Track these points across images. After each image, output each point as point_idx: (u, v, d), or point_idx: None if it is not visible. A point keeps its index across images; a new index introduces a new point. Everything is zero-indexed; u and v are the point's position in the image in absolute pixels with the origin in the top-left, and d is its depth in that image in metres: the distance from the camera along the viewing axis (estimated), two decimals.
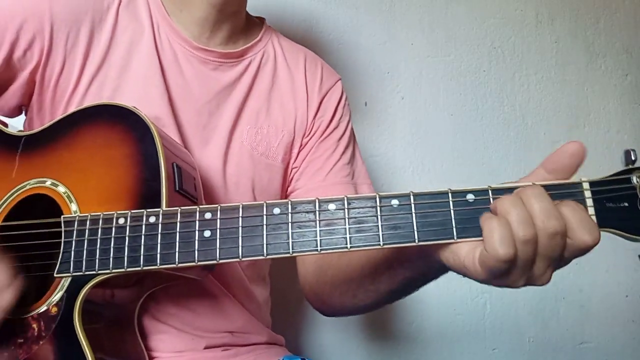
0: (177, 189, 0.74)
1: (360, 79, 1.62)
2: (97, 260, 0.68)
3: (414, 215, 0.61)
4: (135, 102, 0.86)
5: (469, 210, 0.60)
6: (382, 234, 0.61)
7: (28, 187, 0.77)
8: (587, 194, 0.59)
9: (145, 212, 0.68)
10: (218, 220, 0.65)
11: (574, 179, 0.61)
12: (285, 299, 1.41)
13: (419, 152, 1.65)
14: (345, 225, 0.62)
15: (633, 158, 0.60)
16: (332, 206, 0.63)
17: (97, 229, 0.69)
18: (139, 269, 0.66)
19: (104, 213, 0.70)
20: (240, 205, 0.65)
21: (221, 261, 0.64)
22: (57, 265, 0.70)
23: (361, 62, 1.63)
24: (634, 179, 0.59)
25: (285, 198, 1.06)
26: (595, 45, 1.86)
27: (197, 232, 0.65)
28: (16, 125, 0.97)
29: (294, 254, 0.63)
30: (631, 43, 1.89)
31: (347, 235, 0.62)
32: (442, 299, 1.60)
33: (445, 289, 1.58)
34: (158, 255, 0.66)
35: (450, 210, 0.60)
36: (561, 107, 1.80)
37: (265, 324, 1.06)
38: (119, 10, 0.93)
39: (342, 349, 1.54)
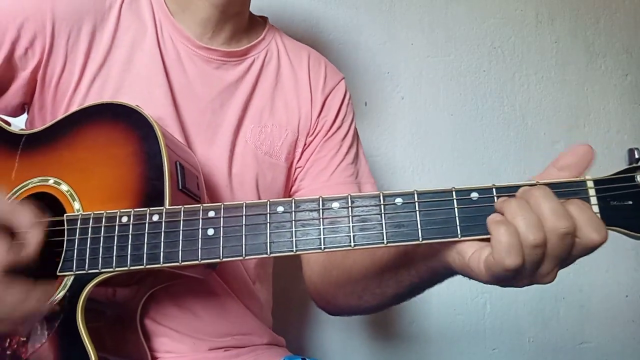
0: (180, 187, 0.74)
1: (360, 79, 1.62)
2: (100, 259, 0.68)
3: (417, 213, 0.61)
4: (138, 101, 0.85)
5: (473, 209, 0.60)
6: (386, 232, 0.61)
7: (31, 185, 0.77)
8: (592, 192, 0.59)
9: (148, 211, 0.68)
10: (221, 219, 0.65)
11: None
12: (287, 299, 1.41)
13: (419, 152, 1.65)
14: (349, 223, 0.62)
15: (637, 156, 0.60)
16: (335, 205, 0.63)
17: (100, 227, 0.69)
18: (142, 267, 0.66)
19: (107, 211, 0.70)
20: (244, 204, 0.65)
21: (225, 259, 0.64)
22: (60, 264, 0.70)
23: (361, 62, 1.63)
24: (638, 178, 0.59)
25: (288, 196, 1.05)
26: (595, 45, 1.87)
27: (200, 231, 0.65)
28: (18, 124, 0.97)
29: (298, 253, 0.62)
30: (631, 43, 1.89)
31: (351, 234, 0.62)
32: (442, 299, 1.60)
33: (445, 289, 1.56)
34: (161, 254, 0.66)
35: (454, 209, 0.60)
36: (561, 107, 1.80)
37: (267, 325, 1.06)
38: (122, 10, 0.93)
39: (342, 349, 1.53)
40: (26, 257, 0.64)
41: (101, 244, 0.68)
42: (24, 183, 0.78)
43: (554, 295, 1.68)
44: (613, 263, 1.73)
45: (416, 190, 0.61)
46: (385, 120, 1.63)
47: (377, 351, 1.57)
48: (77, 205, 0.74)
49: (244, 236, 0.64)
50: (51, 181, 0.77)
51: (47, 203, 0.75)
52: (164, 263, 0.66)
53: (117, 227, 0.69)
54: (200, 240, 0.65)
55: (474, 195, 0.60)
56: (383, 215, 0.61)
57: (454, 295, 1.61)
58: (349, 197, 0.63)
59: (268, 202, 0.64)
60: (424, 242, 0.60)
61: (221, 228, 0.65)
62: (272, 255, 0.63)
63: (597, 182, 0.59)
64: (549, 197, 0.56)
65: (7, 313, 0.61)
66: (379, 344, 1.57)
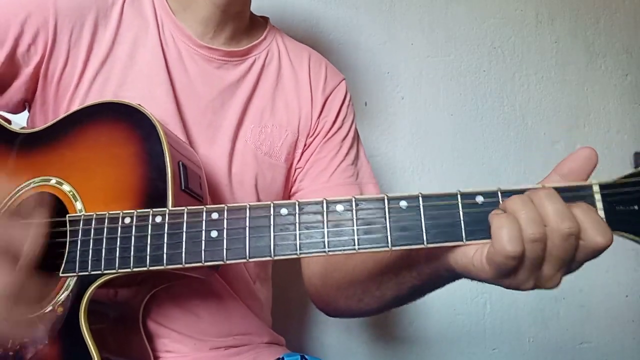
0: (183, 188, 0.74)
1: (360, 79, 1.62)
2: (102, 260, 0.68)
3: (422, 217, 0.60)
4: (139, 98, 0.86)
5: (479, 213, 0.59)
6: (391, 236, 0.60)
7: (32, 185, 0.77)
8: (597, 196, 0.58)
9: (151, 212, 0.67)
10: (225, 220, 0.64)
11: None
12: (287, 299, 1.41)
13: (419, 152, 1.65)
14: (353, 226, 0.61)
15: None
16: (340, 207, 0.62)
17: (103, 228, 0.69)
18: (145, 269, 0.66)
19: (110, 212, 0.69)
20: (247, 206, 0.64)
21: (228, 262, 0.63)
22: (63, 265, 0.69)
23: (361, 62, 1.63)
24: None
25: (289, 199, 1.05)
26: (595, 45, 1.87)
27: (203, 232, 0.65)
28: (19, 121, 0.96)
29: (302, 255, 0.62)
30: (631, 43, 1.89)
31: (355, 237, 0.61)
32: (442, 299, 1.60)
33: (446, 289, 1.56)
34: (165, 256, 0.65)
35: (459, 212, 0.60)
36: (561, 107, 1.80)
37: (267, 324, 1.06)
38: (124, 7, 0.94)
39: (342, 349, 1.53)
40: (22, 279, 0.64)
41: (104, 245, 0.68)
42: (26, 183, 0.77)
43: (554, 295, 1.68)
44: (613, 263, 1.73)
45: (421, 193, 0.61)
46: (385, 120, 1.63)
47: (377, 351, 1.57)
48: (79, 205, 0.73)
49: (247, 238, 0.63)
50: (53, 181, 0.76)
51: (50, 203, 0.75)
52: (167, 265, 0.65)
53: (119, 228, 0.68)
54: (203, 242, 0.64)
55: (480, 198, 0.60)
56: (388, 218, 0.61)
57: (454, 295, 1.61)
58: (353, 199, 0.62)
59: (272, 204, 0.64)
60: (429, 246, 0.59)
61: (224, 230, 0.64)
62: (276, 258, 0.62)
63: (602, 186, 0.59)
64: (554, 198, 0.56)
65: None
66: (379, 343, 1.57)
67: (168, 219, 0.66)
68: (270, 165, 1.00)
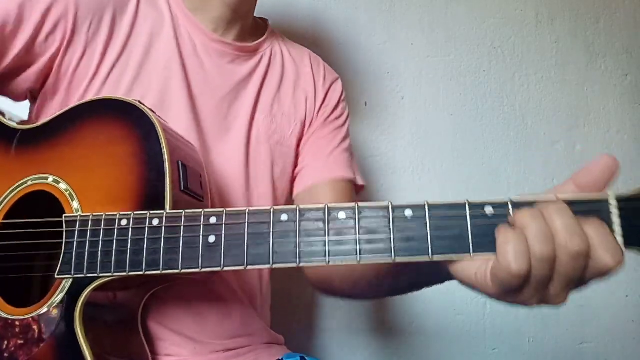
0: (182, 188, 0.73)
1: (360, 79, 1.62)
2: (98, 263, 0.66)
3: (428, 227, 0.57)
4: (155, 91, 0.89)
5: (487, 224, 0.56)
6: (394, 247, 0.57)
7: (30, 183, 0.75)
8: (614, 210, 0.55)
9: (148, 215, 0.66)
10: (223, 226, 0.63)
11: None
12: (287, 299, 1.41)
13: (419, 152, 1.65)
14: (355, 235, 0.59)
15: None
16: (342, 214, 0.60)
17: (99, 230, 0.67)
18: (141, 273, 0.65)
19: (106, 214, 0.68)
20: (247, 210, 0.62)
21: (226, 269, 0.61)
22: (58, 266, 0.68)
23: (361, 62, 1.63)
24: None
25: (293, 181, 1.08)
26: (595, 45, 1.86)
27: (201, 238, 0.63)
28: (20, 115, 0.96)
29: (302, 264, 0.59)
30: (631, 43, 1.89)
31: (357, 247, 0.58)
32: (442, 299, 1.60)
33: (445, 289, 1.55)
34: (161, 260, 0.64)
35: (467, 224, 0.56)
36: (561, 107, 1.80)
37: (266, 322, 1.06)
38: (140, 2, 0.95)
39: (342, 349, 1.53)
40: None
41: (100, 248, 0.67)
42: (22, 180, 0.76)
43: None
44: None
45: (427, 203, 0.58)
46: (385, 120, 1.63)
47: (377, 351, 1.57)
48: (76, 204, 0.72)
49: (246, 245, 0.61)
50: (50, 179, 0.75)
51: (47, 202, 0.74)
52: (163, 270, 0.64)
53: (116, 230, 0.67)
54: (201, 247, 0.63)
55: (489, 209, 0.57)
56: (392, 228, 0.58)
57: (454, 295, 1.61)
58: (357, 206, 0.59)
59: (272, 210, 0.62)
60: (434, 258, 0.57)
61: (222, 235, 0.62)
62: (274, 266, 0.60)
63: (620, 199, 0.55)
64: (565, 213, 0.53)
65: None
66: (379, 343, 1.57)
67: (165, 223, 0.65)
68: (282, 153, 1.04)
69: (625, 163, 1.80)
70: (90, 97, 0.88)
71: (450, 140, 1.68)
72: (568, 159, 1.76)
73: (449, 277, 0.61)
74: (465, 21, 1.74)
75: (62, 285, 0.69)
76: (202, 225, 0.64)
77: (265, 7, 1.16)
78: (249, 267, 0.61)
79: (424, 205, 0.58)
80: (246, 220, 0.62)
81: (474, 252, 0.56)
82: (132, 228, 0.66)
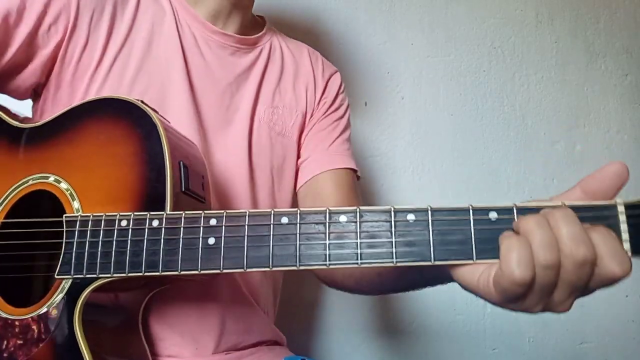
0: (184, 189, 0.72)
1: (360, 79, 1.62)
2: (98, 264, 0.66)
3: (430, 232, 0.56)
4: (157, 84, 0.90)
5: (491, 230, 0.55)
6: (396, 251, 0.57)
7: (31, 182, 0.75)
8: (622, 217, 0.54)
9: (148, 215, 0.66)
10: (223, 228, 0.62)
11: None
12: (288, 300, 1.40)
13: (419, 152, 1.65)
14: (356, 239, 0.58)
15: None
16: (343, 218, 0.59)
17: (99, 230, 0.67)
18: (140, 274, 0.64)
19: (107, 214, 0.68)
20: (247, 213, 0.62)
21: (225, 271, 0.61)
22: (58, 267, 0.68)
23: (361, 62, 1.63)
24: None
25: (295, 173, 1.09)
26: (595, 45, 1.86)
27: (201, 240, 0.63)
28: (24, 111, 0.95)
29: (302, 267, 0.59)
30: (631, 43, 1.89)
31: (358, 251, 0.58)
32: (443, 299, 1.60)
33: (446, 288, 1.56)
34: (160, 262, 0.64)
35: (470, 229, 0.56)
36: (561, 107, 1.80)
37: (271, 318, 1.06)
38: None
39: (342, 349, 1.53)
40: None
41: (99, 248, 0.66)
42: (24, 179, 0.76)
43: None
44: None
45: (430, 207, 0.57)
46: (385, 120, 1.63)
47: (377, 351, 1.57)
48: (76, 204, 0.72)
49: (245, 248, 0.61)
50: (51, 179, 0.75)
51: (48, 201, 0.74)
52: (162, 271, 0.63)
53: (116, 231, 0.66)
54: (200, 249, 0.62)
55: (493, 215, 0.56)
56: (393, 232, 0.57)
57: (454, 295, 1.61)
58: (358, 210, 0.59)
59: (272, 212, 0.61)
60: (436, 263, 0.56)
61: (222, 238, 0.62)
62: (274, 269, 0.60)
63: (628, 206, 0.54)
64: (570, 220, 0.52)
65: None
66: (379, 343, 1.57)
67: (165, 224, 0.65)
68: (283, 145, 1.05)
69: (625, 163, 1.79)
70: (93, 89, 0.89)
71: (450, 140, 1.68)
72: (568, 159, 1.76)
73: (452, 280, 0.61)
74: (465, 21, 1.74)
75: (61, 286, 0.69)
76: (201, 227, 0.63)
77: (265, 7, 1.16)
78: (249, 270, 0.61)
79: (427, 209, 0.57)
80: (246, 223, 0.62)
81: (477, 257, 0.55)
82: (132, 229, 0.66)
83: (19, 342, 0.69)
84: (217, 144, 0.96)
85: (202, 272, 0.62)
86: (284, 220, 0.61)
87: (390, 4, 1.68)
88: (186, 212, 0.65)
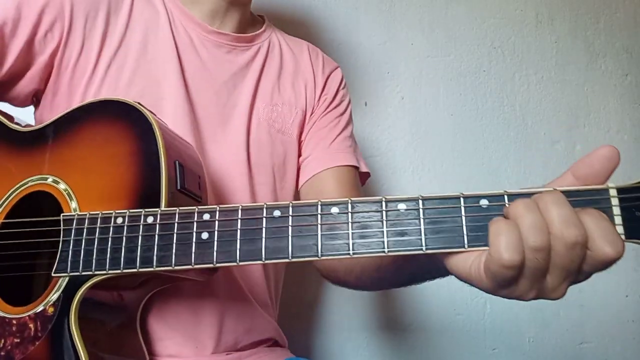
0: (179, 188, 0.73)
1: (360, 79, 1.62)
2: (94, 261, 0.67)
3: (422, 221, 0.57)
4: (153, 86, 0.90)
5: (482, 217, 0.55)
6: (387, 241, 0.57)
7: (30, 183, 0.76)
8: (614, 201, 0.53)
9: (143, 212, 0.67)
10: (216, 222, 0.63)
11: None
12: (288, 299, 1.41)
13: (419, 152, 1.65)
14: (348, 230, 0.58)
15: None
16: (335, 209, 0.59)
17: (95, 228, 0.68)
18: (135, 270, 0.65)
19: (103, 212, 0.68)
20: (240, 207, 0.62)
21: (218, 265, 0.62)
22: (55, 265, 0.69)
23: (361, 62, 1.63)
24: None
25: (297, 171, 1.09)
26: (595, 45, 1.86)
27: (194, 234, 0.63)
28: (25, 118, 0.96)
29: (294, 260, 0.59)
30: (631, 43, 1.89)
31: (350, 241, 0.58)
32: (442, 299, 1.60)
33: (446, 289, 1.58)
34: (155, 257, 0.64)
35: (461, 217, 0.56)
36: (561, 107, 1.80)
37: (273, 317, 1.06)
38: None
39: (342, 350, 1.53)
40: None
41: (95, 246, 0.67)
42: (24, 181, 0.77)
43: None
44: None
45: (421, 196, 0.57)
46: (385, 120, 1.63)
47: (377, 351, 1.57)
48: (74, 204, 0.73)
49: (238, 241, 0.61)
50: (50, 180, 0.76)
51: (47, 202, 0.74)
52: (157, 267, 0.64)
53: (112, 228, 0.67)
54: (194, 244, 0.63)
55: (484, 202, 0.55)
56: (385, 222, 0.57)
57: (454, 295, 1.61)
58: (349, 201, 0.59)
59: (265, 206, 0.62)
60: (428, 252, 0.56)
61: (215, 232, 0.62)
62: (266, 261, 0.60)
63: (620, 190, 0.53)
64: (561, 202, 0.52)
65: None
66: (379, 343, 1.57)
67: (159, 220, 0.65)
68: (283, 142, 1.05)
69: (625, 163, 1.78)
70: (91, 93, 0.89)
71: (450, 140, 1.68)
72: (568, 159, 1.76)
73: (449, 273, 0.61)
74: (465, 21, 1.74)
75: (58, 284, 0.69)
76: (195, 222, 0.64)
77: (265, 7, 1.17)
78: (242, 263, 0.61)
79: (418, 198, 0.57)
80: (239, 217, 0.62)
81: (468, 245, 0.55)
82: (127, 226, 0.67)
83: (15, 340, 0.70)
84: (215, 142, 0.96)
85: (196, 266, 0.62)
86: (277, 213, 0.61)
87: (390, 4, 1.68)
88: (180, 208, 0.66)
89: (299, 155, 1.09)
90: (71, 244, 0.69)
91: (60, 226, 0.70)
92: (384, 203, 0.58)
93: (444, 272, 0.62)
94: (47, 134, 0.80)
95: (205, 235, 0.63)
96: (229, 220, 0.63)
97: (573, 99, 1.81)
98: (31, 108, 0.98)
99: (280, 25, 1.18)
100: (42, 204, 0.75)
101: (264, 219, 0.61)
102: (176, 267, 0.63)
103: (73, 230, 0.69)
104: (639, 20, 1.91)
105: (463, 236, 0.56)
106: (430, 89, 1.68)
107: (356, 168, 1.09)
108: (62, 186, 0.75)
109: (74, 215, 0.70)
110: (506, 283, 0.53)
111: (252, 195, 0.99)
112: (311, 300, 1.53)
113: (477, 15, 1.76)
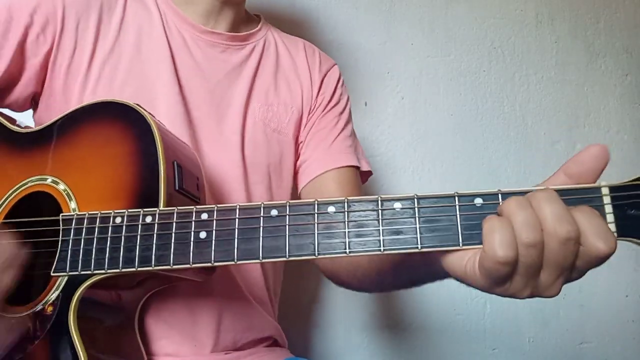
0: (177, 188, 0.73)
1: (360, 79, 1.62)
2: (92, 260, 0.67)
3: (417, 219, 0.57)
4: (147, 88, 0.90)
5: (477, 215, 0.56)
6: (383, 239, 0.58)
7: (30, 184, 0.77)
8: (607, 199, 0.54)
9: (141, 212, 0.67)
10: (214, 222, 0.63)
11: None
12: (288, 299, 1.41)
13: (419, 152, 1.65)
14: (344, 229, 0.59)
15: None
16: (331, 209, 0.60)
17: (94, 227, 0.68)
18: (133, 269, 0.65)
19: (102, 212, 0.69)
20: (237, 207, 0.63)
21: (216, 264, 0.62)
22: (54, 264, 0.69)
23: (361, 62, 1.63)
24: None
25: (295, 172, 1.09)
26: (595, 45, 1.86)
27: (192, 234, 0.64)
28: (25, 120, 0.97)
29: (291, 258, 0.60)
30: (631, 43, 1.89)
31: (347, 240, 0.59)
32: (442, 299, 1.60)
33: (446, 289, 1.58)
34: (153, 256, 0.64)
35: (456, 215, 0.57)
36: (561, 107, 1.80)
37: (273, 317, 1.06)
38: (127, 0, 0.97)
39: (342, 350, 1.54)
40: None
41: (94, 245, 0.67)
42: (24, 182, 0.77)
43: None
44: (613, 263, 1.72)
45: (416, 195, 0.58)
46: (385, 120, 1.64)
47: (377, 351, 1.57)
48: (73, 204, 0.73)
49: (236, 240, 0.62)
50: (49, 180, 0.76)
51: (47, 202, 0.75)
52: (155, 266, 0.64)
53: (110, 228, 0.68)
54: (192, 243, 0.63)
55: (478, 201, 0.56)
56: (381, 221, 0.58)
57: (454, 295, 1.61)
58: (346, 200, 0.60)
59: (262, 205, 0.62)
60: (423, 250, 0.57)
61: (213, 231, 0.63)
62: (264, 260, 0.61)
63: (613, 188, 0.54)
64: (553, 200, 0.53)
65: None
66: (379, 343, 1.57)
67: (158, 219, 0.66)
68: (279, 141, 1.04)
69: (625, 163, 1.80)
70: (86, 95, 0.90)
71: (450, 140, 1.68)
72: (568, 159, 1.76)
73: (445, 274, 0.61)
74: (465, 21, 1.74)
75: (57, 283, 0.70)
76: (193, 222, 0.64)
77: (264, 7, 1.17)
78: (239, 262, 0.62)
79: (413, 197, 0.58)
80: (237, 216, 0.63)
81: (463, 243, 0.56)
82: (126, 225, 0.67)
83: (15, 339, 0.70)
84: (209, 141, 0.96)
85: (194, 265, 0.63)
86: (274, 212, 0.62)
87: (390, 4, 1.68)
88: (178, 207, 0.66)
89: (296, 154, 1.08)
90: (70, 244, 0.69)
91: (59, 226, 0.70)
92: (380, 202, 0.59)
93: (442, 273, 0.62)
94: (46, 135, 0.80)
95: (203, 235, 0.63)
96: (226, 220, 0.63)
97: (573, 99, 1.81)
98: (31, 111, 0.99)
99: (280, 25, 1.18)
100: (41, 204, 0.75)
101: (262, 218, 0.62)
102: (174, 267, 0.64)
103: (72, 230, 0.69)
104: (639, 20, 1.91)
105: (458, 234, 0.56)
106: (430, 89, 1.69)
107: (357, 168, 1.09)
108: (61, 186, 0.75)
109: (73, 215, 0.71)
110: (501, 280, 0.54)
111: (247, 195, 0.99)
112: (311, 300, 1.53)
113: (477, 15, 1.76)
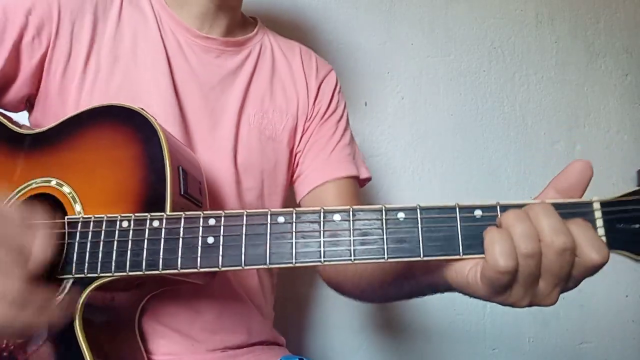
0: (182, 193, 0.74)
1: (360, 79, 1.62)
2: (99, 263, 0.67)
3: (420, 229, 0.60)
4: (143, 91, 0.90)
5: (476, 226, 0.59)
6: (387, 247, 0.60)
7: (34, 185, 0.77)
8: (598, 214, 0.58)
9: (149, 216, 0.67)
10: (222, 227, 0.64)
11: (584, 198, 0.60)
12: (287, 300, 1.41)
13: (419, 152, 1.65)
14: (349, 237, 0.61)
15: None
16: (337, 217, 0.62)
17: (101, 231, 0.68)
18: (141, 273, 0.66)
19: (108, 215, 0.69)
20: (245, 213, 0.64)
21: (224, 269, 0.63)
22: (60, 267, 0.69)
23: (361, 62, 1.63)
24: None
25: (292, 183, 1.09)
26: (595, 45, 1.86)
27: (200, 239, 0.64)
28: (20, 120, 0.96)
29: (297, 264, 0.62)
30: (631, 43, 1.89)
31: (352, 248, 0.61)
32: (442, 299, 1.58)
33: None
34: (160, 260, 0.65)
35: (457, 226, 0.59)
36: (561, 107, 1.80)
37: (268, 320, 1.06)
38: (123, 4, 0.96)
39: (342, 350, 1.54)
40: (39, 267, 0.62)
41: (101, 248, 0.68)
42: (28, 183, 0.77)
43: None
44: (613, 263, 1.72)
45: (419, 205, 0.60)
46: (385, 120, 1.63)
47: (377, 351, 1.57)
48: (78, 207, 0.73)
49: (243, 246, 0.63)
50: (53, 182, 0.76)
51: (51, 204, 0.74)
52: (162, 270, 0.65)
53: (117, 231, 0.68)
54: (200, 248, 0.64)
55: (478, 212, 0.59)
56: (385, 229, 0.60)
57: (454, 295, 1.59)
58: (351, 209, 0.62)
59: (269, 212, 0.64)
60: (425, 259, 0.59)
61: (221, 237, 0.64)
62: (271, 266, 0.62)
63: (603, 203, 0.58)
64: (550, 213, 0.56)
65: (28, 321, 0.59)
66: (379, 343, 1.57)
67: (165, 224, 0.66)
68: (274, 149, 1.03)
69: (625, 163, 1.80)
70: (83, 97, 0.90)
71: (450, 140, 1.68)
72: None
73: (446, 285, 0.63)
74: (465, 21, 1.74)
75: (63, 285, 0.69)
76: (200, 227, 0.65)
77: (264, 7, 1.16)
78: (247, 267, 0.63)
79: (416, 207, 0.60)
80: (244, 222, 0.64)
81: (463, 253, 0.59)
82: (133, 229, 0.67)
83: (19, 340, 0.70)
84: (202, 146, 0.96)
85: (202, 270, 0.64)
86: (281, 219, 0.63)
87: (390, 4, 1.68)
88: (186, 212, 0.66)
89: (290, 161, 1.07)
90: (76, 247, 0.69)
91: (65, 229, 0.70)
92: (384, 211, 0.61)
93: (444, 285, 0.65)
94: (51, 137, 0.80)
95: (211, 240, 0.64)
96: (234, 226, 0.64)
97: (573, 99, 1.81)
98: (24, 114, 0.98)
99: (281, 25, 1.17)
100: (46, 206, 0.74)
101: (269, 225, 0.63)
102: (182, 270, 0.64)
103: (78, 233, 0.70)
104: (639, 20, 1.92)
105: (458, 244, 0.59)
106: (430, 89, 1.69)
107: (357, 177, 1.08)
108: (66, 189, 0.75)
109: (78, 218, 0.71)
110: (502, 289, 0.57)
111: (239, 201, 0.99)
112: (309, 299, 1.53)
113: (477, 15, 1.76)
